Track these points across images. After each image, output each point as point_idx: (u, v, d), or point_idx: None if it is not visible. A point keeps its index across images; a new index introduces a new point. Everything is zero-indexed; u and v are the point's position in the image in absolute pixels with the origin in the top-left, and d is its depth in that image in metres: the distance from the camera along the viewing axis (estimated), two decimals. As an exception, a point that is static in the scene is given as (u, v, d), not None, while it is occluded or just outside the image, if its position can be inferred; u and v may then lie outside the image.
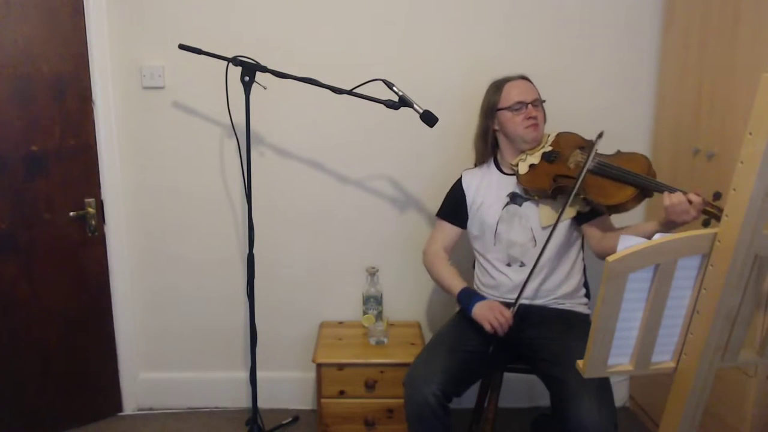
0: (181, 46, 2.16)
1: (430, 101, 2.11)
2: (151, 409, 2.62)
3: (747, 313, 1.25)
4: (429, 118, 1.99)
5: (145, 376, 2.61)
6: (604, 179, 1.83)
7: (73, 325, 2.40)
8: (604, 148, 1.91)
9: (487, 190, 2.07)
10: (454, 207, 2.14)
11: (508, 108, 1.99)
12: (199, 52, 2.14)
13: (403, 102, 2.01)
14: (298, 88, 2.10)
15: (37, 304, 2.31)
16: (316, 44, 2.34)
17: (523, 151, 2.04)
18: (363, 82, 2.04)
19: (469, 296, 1.97)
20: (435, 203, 2.47)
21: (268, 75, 2.07)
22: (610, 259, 1.19)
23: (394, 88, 2.02)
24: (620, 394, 2.59)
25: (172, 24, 2.31)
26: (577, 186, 1.83)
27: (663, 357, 1.33)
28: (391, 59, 2.35)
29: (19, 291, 2.27)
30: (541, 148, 2.02)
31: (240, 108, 2.12)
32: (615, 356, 1.30)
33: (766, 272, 1.23)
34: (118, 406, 2.58)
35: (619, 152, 1.94)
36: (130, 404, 2.60)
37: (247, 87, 2.05)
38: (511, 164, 2.05)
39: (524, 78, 2.05)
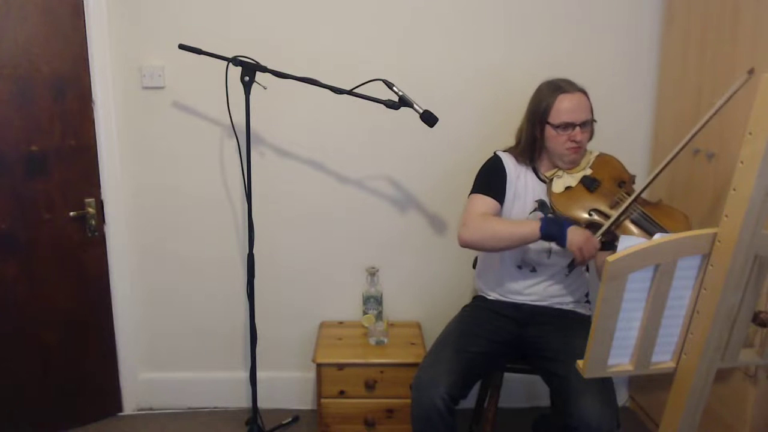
0: (181, 46, 2.16)
1: (430, 101, 2.11)
2: (151, 409, 2.62)
3: (747, 313, 1.25)
4: (429, 118, 1.99)
5: (145, 376, 2.61)
6: (639, 229, 1.78)
7: (73, 325, 2.40)
8: (640, 185, 1.84)
9: (524, 185, 1.99)
10: (493, 181, 1.98)
11: (555, 126, 1.89)
12: (199, 52, 2.14)
13: (403, 102, 2.01)
14: (298, 88, 2.10)
15: (37, 304, 2.31)
16: (317, 44, 2.34)
17: (557, 167, 1.97)
18: (363, 82, 2.04)
19: (560, 225, 1.77)
20: (435, 203, 2.47)
21: (268, 75, 2.07)
22: (610, 259, 1.19)
23: (394, 88, 2.02)
24: (620, 394, 2.59)
25: (172, 24, 2.31)
26: (610, 229, 1.77)
27: (663, 357, 1.33)
28: (391, 59, 2.35)
29: (19, 291, 2.27)
30: (581, 169, 1.93)
31: (240, 108, 2.12)
32: (615, 356, 1.30)
33: (766, 272, 1.23)
34: (118, 406, 2.58)
35: (660, 203, 1.87)
36: (130, 404, 2.59)
37: (247, 87, 2.05)
38: (545, 175, 1.97)
39: (581, 91, 1.92)
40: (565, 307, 2.03)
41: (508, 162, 2.01)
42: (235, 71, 2.07)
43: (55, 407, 2.41)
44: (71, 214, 2.32)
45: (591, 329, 1.26)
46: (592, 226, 1.85)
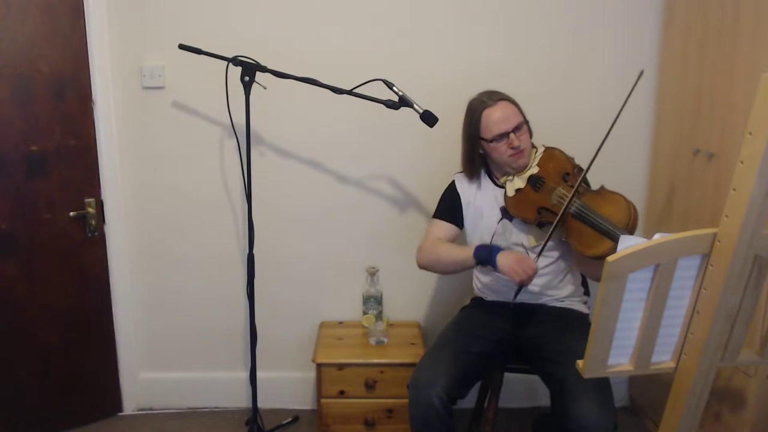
0: (181, 46, 2.16)
1: (430, 101, 2.11)
2: (151, 409, 2.62)
3: (747, 313, 1.25)
4: (429, 118, 1.99)
5: (145, 376, 2.61)
6: (584, 226, 1.80)
7: (73, 325, 2.40)
8: (598, 169, 1.85)
9: (483, 199, 2.05)
10: (448, 207, 2.10)
11: (489, 140, 1.94)
12: (199, 52, 2.14)
13: (403, 102, 2.01)
14: (298, 88, 2.10)
15: (37, 304, 2.31)
16: (316, 44, 2.34)
17: (509, 174, 2.01)
18: (363, 82, 2.04)
19: (489, 251, 1.87)
20: (435, 203, 2.46)
21: (268, 75, 2.07)
22: (610, 259, 1.19)
23: (394, 88, 2.02)
24: (620, 394, 2.59)
25: (172, 24, 2.31)
26: (556, 228, 1.81)
27: (663, 357, 1.33)
28: (391, 59, 2.35)
29: (19, 291, 2.27)
30: (528, 169, 1.97)
31: (240, 108, 2.12)
32: (615, 356, 1.30)
33: (766, 272, 1.23)
34: (118, 406, 2.58)
35: (602, 189, 1.87)
36: (130, 404, 2.60)
37: (247, 87, 2.05)
38: (500, 181, 2.03)
39: (503, 99, 1.95)
40: (561, 304, 2.03)
41: (463, 183, 2.09)
42: (235, 71, 2.07)
43: (55, 407, 2.41)
44: (71, 214, 2.32)
45: (591, 329, 1.26)
46: (542, 224, 1.91)
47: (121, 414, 2.58)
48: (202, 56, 2.14)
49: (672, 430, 1.33)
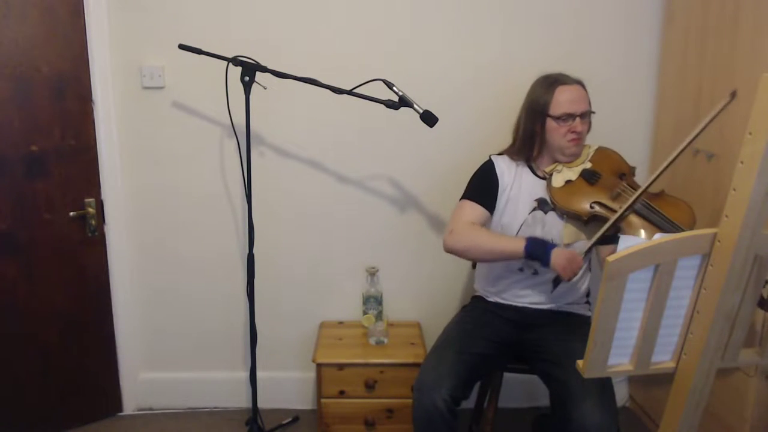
0: (181, 46, 2.16)
1: (430, 101, 2.11)
2: (151, 409, 2.62)
3: (747, 313, 1.25)
4: (429, 118, 1.99)
5: (145, 376, 2.61)
6: (644, 221, 1.77)
7: (73, 325, 2.39)
8: (640, 178, 1.85)
9: (518, 188, 1.97)
10: (484, 189, 1.97)
11: (556, 117, 1.88)
12: (199, 52, 2.14)
13: (403, 102, 2.01)
14: (298, 88, 2.10)
15: (37, 304, 2.31)
16: (316, 44, 2.34)
17: (557, 161, 1.96)
18: (363, 82, 2.03)
19: (543, 246, 1.78)
20: (435, 203, 2.47)
21: (268, 75, 2.07)
22: (610, 259, 1.19)
23: (394, 88, 2.02)
24: (620, 394, 2.59)
25: (172, 24, 2.31)
26: (615, 224, 1.76)
27: (663, 357, 1.33)
28: (391, 59, 2.35)
29: (19, 291, 2.27)
30: (581, 163, 1.93)
31: (240, 108, 2.12)
32: (615, 356, 1.30)
33: (766, 272, 1.23)
34: (118, 406, 2.58)
35: (663, 193, 1.87)
36: (130, 404, 2.59)
37: (247, 87, 2.05)
38: (545, 170, 1.96)
39: (579, 83, 1.92)
40: (564, 308, 2.03)
41: (502, 166, 2.00)
42: (235, 71, 2.07)
43: (55, 407, 2.41)
44: (71, 214, 2.32)
45: (591, 329, 1.26)
46: (595, 218, 1.85)
47: (121, 414, 2.58)
48: (202, 56, 2.13)
49: (672, 430, 1.33)
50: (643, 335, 1.28)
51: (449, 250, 1.92)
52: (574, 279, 1.91)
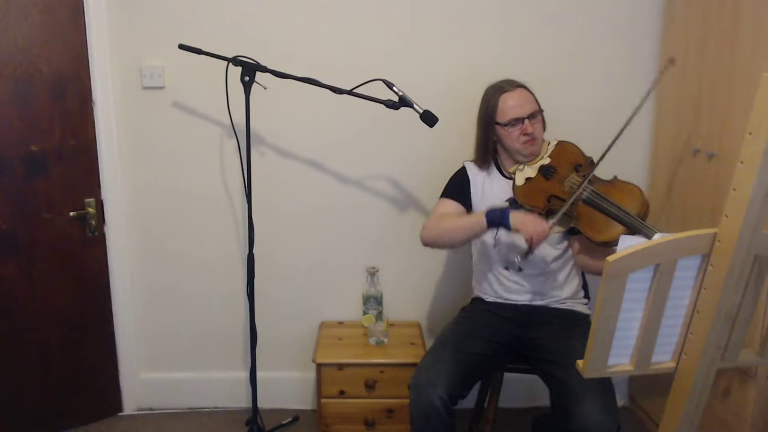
0: (181, 46, 2.16)
1: (430, 101, 2.11)
2: (151, 409, 2.62)
3: (747, 313, 1.25)
4: (429, 118, 1.99)
5: (145, 376, 2.61)
6: (596, 212, 1.81)
7: (73, 325, 2.39)
8: (603, 166, 1.86)
9: (491, 189, 2.06)
10: (458, 188, 2.09)
11: (504, 124, 1.96)
12: (199, 52, 2.14)
13: (403, 102, 2.01)
14: (298, 88, 2.10)
15: (37, 304, 2.31)
16: (317, 44, 2.34)
17: (518, 162, 2.03)
18: (363, 82, 2.04)
19: (501, 211, 1.84)
20: (435, 203, 2.47)
21: (268, 75, 2.07)
22: (610, 259, 1.19)
23: (394, 88, 2.02)
24: (620, 394, 2.59)
25: (172, 24, 2.31)
26: (565, 211, 1.81)
27: (663, 357, 1.33)
28: (391, 59, 2.35)
29: (19, 291, 2.27)
30: (540, 159, 1.99)
31: (240, 108, 2.12)
32: (615, 356, 1.30)
33: (766, 272, 1.22)
34: (118, 406, 2.58)
35: (615, 179, 1.90)
36: (130, 404, 2.59)
37: (247, 87, 2.05)
38: (509, 171, 2.04)
39: (521, 86, 2.00)
40: (562, 305, 2.03)
41: (473, 170, 2.11)
42: (235, 71, 2.07)
43: (55, 407, 2.41)
44: (71, 214, 2.32)
45: (591, 329, 1.26)
46: (551, 212, 1.90)
47: (121, 414, 2.58)
48: (202, 56, 2.14)
49: (672, 430, 1.33)
50: (643, 335, 1.28)
51: (425, 244, 2.04)
52: (541, 248, 1.92)
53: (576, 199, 1.83)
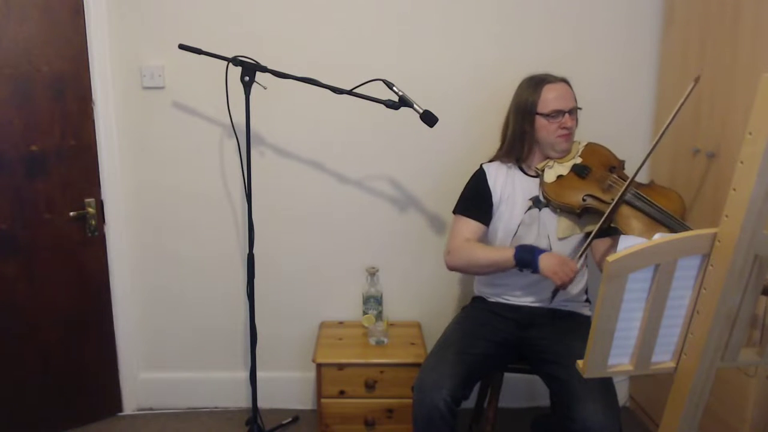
0: (181, 46, 2.16)
1: (430, 101, 2.11)
2: (151, 409, 2.62)
3: (747, 313, 1.25)
4: (429, 118, 1.99)
5: (145, 376, 2.61)
6: (636, 212, 1.81)
7: (73, 325, 2.40)
8: (630, 171, 1.86)
9: (512, 190, 2.01)
10: (478, 202, 2.02)
11: (545, 115, 1.93)
12: (199, 52, 2.14)
13: (403, 102, 2.01)
14: (298, 88, 2.10)
15: (38, 304, 2.31)
16: (317, 44, 2.34)
17: (549, 158, 1.99)
18: (363, 82, 2.04)
19: (530, 252, 1.82)
20: (435, 203, 2.47)
21: (268, 75, 2.07)
22: (610, 259, 1.19)
23: (394, 88, 2.02)
24: (620, 394, 2.58)
25: (172, 24, 2.31)
26: (609, 216, 1.79)
27: (663, 357, 1.33)
28: (391, 59, 2.35)
29: (19, 291, 2.27)
30: (571, 158, 1.97)
31: (240, 108, 2.12)
32: (615, 356, 1.30)
33: (766, 272, 1.22)
34: (118, 406, 2.58)
35: (653, 183, 1.92)
36: (130, 404, 2.60)
37: (247, 87, 2.05)
38: (537, 168, 1.99)
39: (564, 81, 1.98)
40: (564, 307, 2.03)
41: (493, 173, 2.04)
42: (235, 71, 2.07)
43: (55, 407, 2.41)
44: (71, 214, 2.32)
45: (591, 329, 1.26)
46: (587, 210, 1.89)
47: (121, 414, 2.58)
48: (202, 56, 2.14)
49: (672, 430, 1.33)
50: (643, 335, 1.28)
51: (452, 269, 2.03)
52: (571, 286, 1.91)
53: (619, 200, 1.81)
